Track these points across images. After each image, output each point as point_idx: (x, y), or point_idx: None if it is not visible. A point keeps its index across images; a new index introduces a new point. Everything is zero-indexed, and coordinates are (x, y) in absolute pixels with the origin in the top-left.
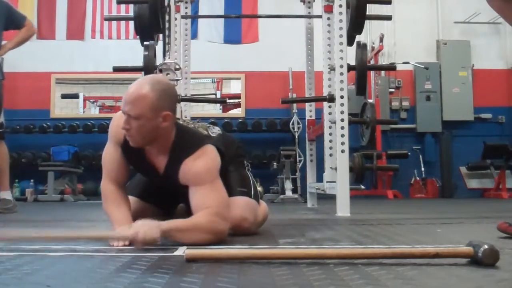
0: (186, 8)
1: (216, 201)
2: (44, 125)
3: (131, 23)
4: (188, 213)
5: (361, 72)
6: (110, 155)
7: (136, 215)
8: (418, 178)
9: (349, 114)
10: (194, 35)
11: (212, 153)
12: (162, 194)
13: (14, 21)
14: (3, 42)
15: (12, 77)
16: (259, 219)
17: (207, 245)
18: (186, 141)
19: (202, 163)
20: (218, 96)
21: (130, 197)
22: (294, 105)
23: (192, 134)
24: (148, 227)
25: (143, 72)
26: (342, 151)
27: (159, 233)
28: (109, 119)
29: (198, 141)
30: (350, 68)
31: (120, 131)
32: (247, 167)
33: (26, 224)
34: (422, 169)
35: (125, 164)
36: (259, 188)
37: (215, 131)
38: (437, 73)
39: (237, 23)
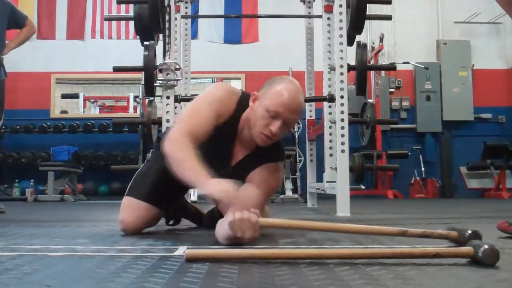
0: (186, 8)
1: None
2: (44, 125)
3: (131, 23)
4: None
5: (361, 72)
6: (204, 112)
7: (143, 218)
8: (418, 178)
9: (349, 114)
10: (194, 35)
11: (282, 174)
12: (167, 193)
13: (16, 20)
14: (6, 42)
15: (12, 77)
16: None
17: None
18: (275, 148)
19: (275, 181)
20: None
21: (135, 200)
22: None
23: (281, 144)
24: (247, 225)
25: (143, 72)
26: (342, 151)
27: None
28: (109, 119)
29: (282, 155)
30: (350, 68)
31: (232, 104)
32: None
33: (26, 224)
34: (422, 169)
35: (211, 127)
36: None
37: None
38: (437, 73)
39: (237, 23)
